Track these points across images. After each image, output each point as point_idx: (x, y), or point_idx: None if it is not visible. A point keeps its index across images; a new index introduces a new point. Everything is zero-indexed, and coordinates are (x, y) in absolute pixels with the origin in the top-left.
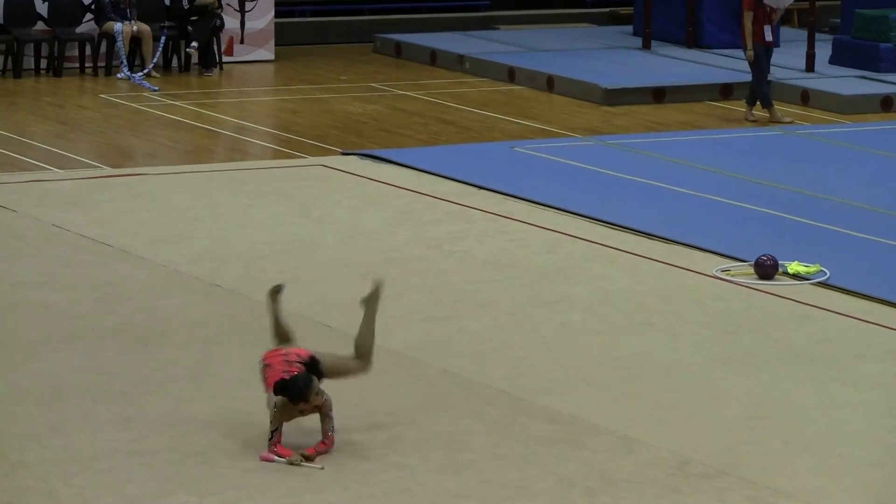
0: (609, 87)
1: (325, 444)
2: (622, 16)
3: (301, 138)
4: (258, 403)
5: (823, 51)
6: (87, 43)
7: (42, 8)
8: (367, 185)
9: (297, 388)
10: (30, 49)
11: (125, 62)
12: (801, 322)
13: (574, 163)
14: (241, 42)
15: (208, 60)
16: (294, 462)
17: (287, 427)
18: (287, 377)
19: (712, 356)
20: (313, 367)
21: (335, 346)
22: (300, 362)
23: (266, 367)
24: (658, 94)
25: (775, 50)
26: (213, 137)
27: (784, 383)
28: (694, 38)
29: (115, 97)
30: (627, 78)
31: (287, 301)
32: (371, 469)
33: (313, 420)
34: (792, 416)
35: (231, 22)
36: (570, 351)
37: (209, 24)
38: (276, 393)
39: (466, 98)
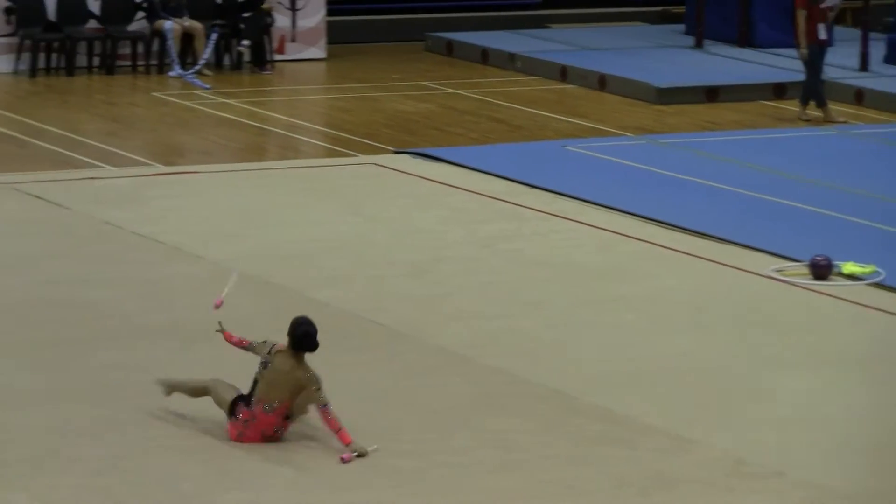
0: (661, 86)
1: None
2: (674, 14)
3: (353, 136)
4: None
5: (877, 50)
6: (139, 41)
7: (94, 6)
8: (419, 184)
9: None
10: (82, 47)
11: (177, 60)
12: (856, 323)
13: (626, 162)
14: (293, 40)
15: (261, 59)
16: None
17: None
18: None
19: (766, 356)
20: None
21: (385, 343)
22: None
23: (247, 422)
24: (711, 93)
25: (829, 49)
26: (265, 135)
27: (839, 384)
28: (746, 37)
29: (167, 95)
30: (680, 77)
31: (339, 299)
32: (422, 467)
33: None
34: (847, 417)
35: (282, 20)
36: (622, 350)
37: (261, 23)
38: (306, 346)
39: (518, 96)
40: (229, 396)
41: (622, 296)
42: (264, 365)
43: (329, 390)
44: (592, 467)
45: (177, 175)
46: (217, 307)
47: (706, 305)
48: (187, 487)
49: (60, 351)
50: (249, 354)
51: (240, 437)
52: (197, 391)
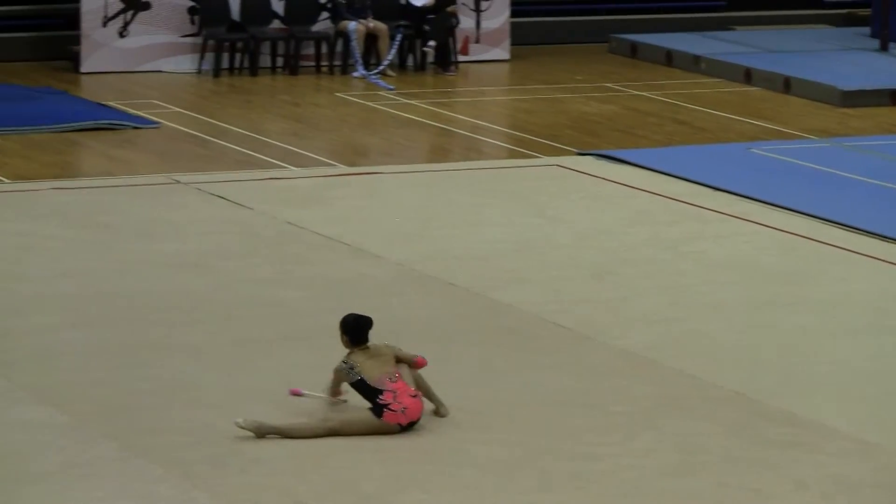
0: (846, 89)
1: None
2: (859, 17)
3: (536, 138)
4: (489, 401)
5: None
6: (323, 41)
7: (278, 6)
8: (602, 186)
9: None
10: (266, 47)
11: (360, 61)
12: None
13: (810, 164)
14: (477, 41)
15: (445, 60)
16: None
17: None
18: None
19: None
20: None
21: (568, 345)
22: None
23: (396, 396)
24: None
25: None
26: (448, 136)
27: None
28: None
29: (351, 95)
30: (865, 79)
31: (522, 300)
32: (605, 469)
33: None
34: None
35: (467, 21)
36: (806, 353)
37: (446, 24)
38: (362, 329)
39: (702, 99)
40: (363, 414)
41: (805, 298)
42: (351, 368)
43: (512, 392)
44: (774, 470)
45: (359, 175)
46: (292, 394)
47: (891, 309)
48: (367, 488)
49: (248, 350)
50: (436, 353)
51: (405, 414)
52: (312, 433)
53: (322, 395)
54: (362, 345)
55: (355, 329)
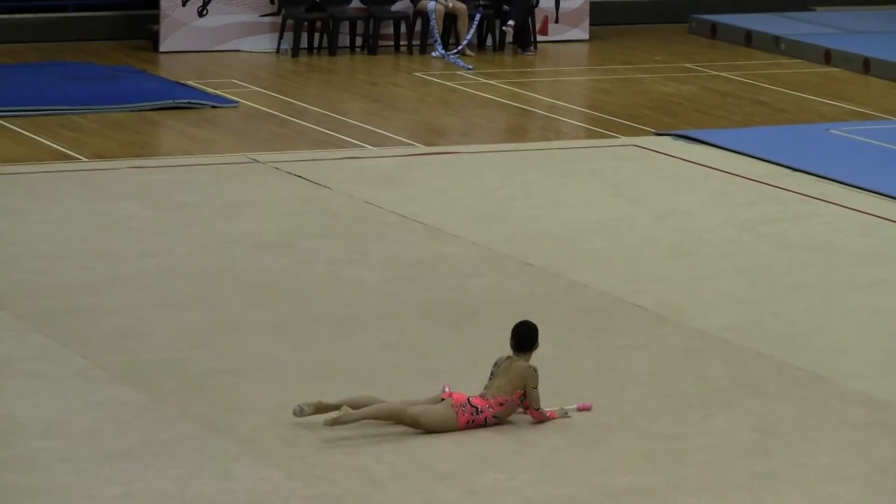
0: None
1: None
2: None
3: (614, 118)
4: (566, 381)
5: None
6: (402, 21)
7: None
8: (681, 166)
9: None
10: (345, 27)
11: (439, 40)
12: None
13: (890, 146)
14: (556, 21)
15: (525, 40)
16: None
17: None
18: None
19: None
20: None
21: (645, 326)
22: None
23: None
24: None
25: None
26: (526, 116)
27: None
28: None
29: (429, 75)
30: None
31: (599, 281)
32: (682, 450)
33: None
34: None
35: (546, 1)
36: (884, 335)
37: (526, 3)
38: (523, 341)
39: (781, 80)
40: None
41: (884, 280)
42: (495, 365)
43: (588, 372)
44: (851, 451)
45: (437, 155)
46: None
47: None
48: (443, 468)
49: (325, 329)
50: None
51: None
52: (392, 418)
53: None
54: (517, 352)
55: (512, 333)
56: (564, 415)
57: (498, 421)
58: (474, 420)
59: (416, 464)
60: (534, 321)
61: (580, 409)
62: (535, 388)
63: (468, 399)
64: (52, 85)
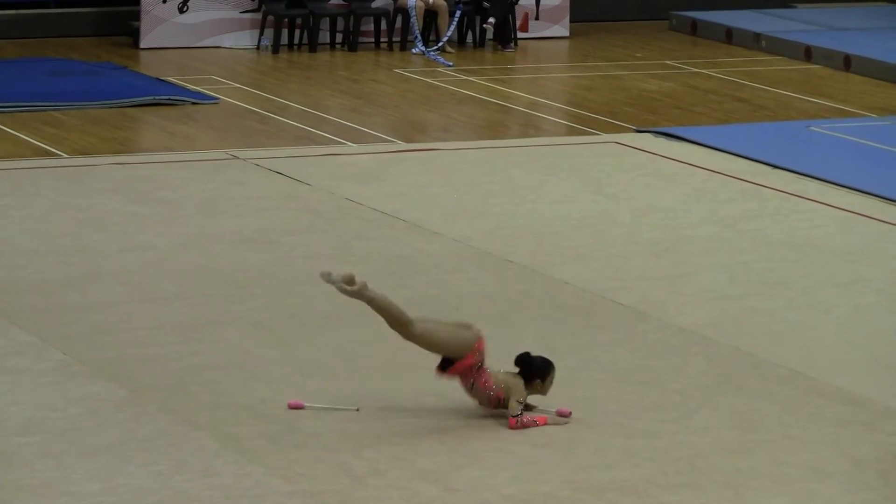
0: None
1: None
2: None
3: (595, 115)
4: None
5: None
6: (383, 17)
7: None
8: (661, 163)
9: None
10: (325, 23)
11: (419, 37)
12: None
13: (870, 143)
14: (537, 18)
15: (505, 37)
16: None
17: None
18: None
19: None
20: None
21: (626, 323)
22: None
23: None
24: None
25: None
26: (507, 113)
27: None
28: None
29: (410, 72)
30: None
31: (580, 278)
32: (663, 446)
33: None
34: None
35: None
36: (864, 332)
37: (506, 0)
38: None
39: (762, 76)
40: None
41: (864, 277)
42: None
43: (568, 369)
44: (832, 448)
45: (418, 152)
46: (290, 406)
47: None
48: (424, 464)
49: (306, 325)
50: (495, 330)
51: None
52: (398, 323)
53: (327, 406)
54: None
55: (524, 359)
56: (556, 422)
57: (476, 393)
58: (478, 365)
59: (396, 460)
60: (511, 318)
61: (559, 414)
62: (520, 402)
63: (482, 364)
64: (33, 81)
